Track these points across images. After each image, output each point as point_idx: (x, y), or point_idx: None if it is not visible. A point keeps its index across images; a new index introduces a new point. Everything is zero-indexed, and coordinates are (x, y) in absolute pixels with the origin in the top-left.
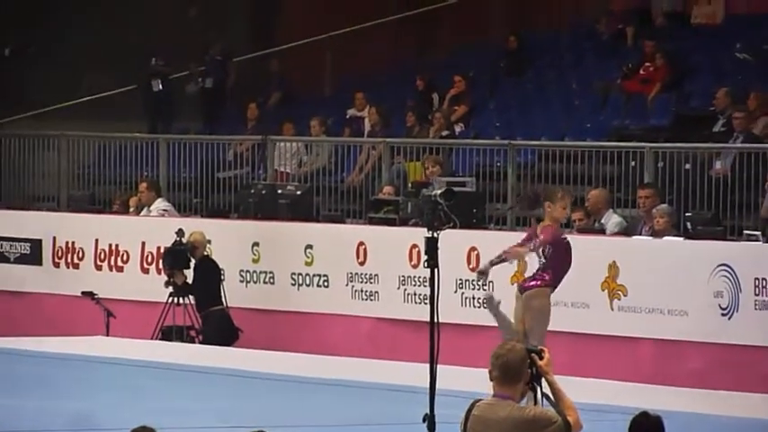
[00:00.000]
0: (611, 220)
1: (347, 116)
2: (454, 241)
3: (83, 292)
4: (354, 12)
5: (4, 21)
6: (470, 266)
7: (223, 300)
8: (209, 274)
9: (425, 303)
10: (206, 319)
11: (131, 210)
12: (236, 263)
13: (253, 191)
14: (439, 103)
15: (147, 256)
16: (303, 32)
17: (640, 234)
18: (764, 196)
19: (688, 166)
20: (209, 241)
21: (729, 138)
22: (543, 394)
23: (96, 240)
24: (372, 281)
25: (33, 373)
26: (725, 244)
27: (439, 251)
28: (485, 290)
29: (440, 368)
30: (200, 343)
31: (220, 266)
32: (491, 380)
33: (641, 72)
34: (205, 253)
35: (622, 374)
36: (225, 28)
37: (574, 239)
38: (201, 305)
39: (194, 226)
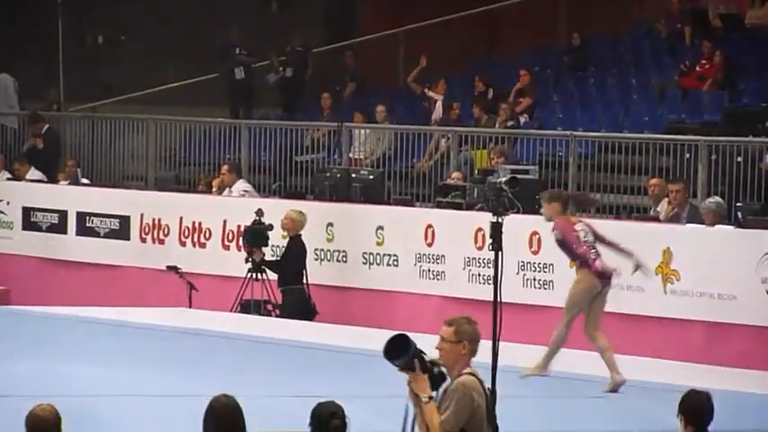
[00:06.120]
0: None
1: (425, 92)
2: (517, 226)
3: (167, 267)
4: (426, 8)
5: (97, 10)
6: (532, 250)
7: (304, 279)
8: (296, 253)
9: (489, 284)
10: (285, 295)
11: (214, 190)
12: (312, 242)
13: (328, 174)
14: (492, 99)
15: (228, 233)
16: (377, 27)
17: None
18: None
19: (740, 159)
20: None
21: None
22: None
23: (181, 218)
24: (439, 261)
25: (119, 342)
26: None
27: (503, 235)
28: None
29: (501, 345)
30: (277, 317)
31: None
32: None
33: (698, 69)
34: (300, 233)
35: (674, 354)
36: (304, 21)
37: (630, 225)
38: (283, 281)
39: (273, 207)
